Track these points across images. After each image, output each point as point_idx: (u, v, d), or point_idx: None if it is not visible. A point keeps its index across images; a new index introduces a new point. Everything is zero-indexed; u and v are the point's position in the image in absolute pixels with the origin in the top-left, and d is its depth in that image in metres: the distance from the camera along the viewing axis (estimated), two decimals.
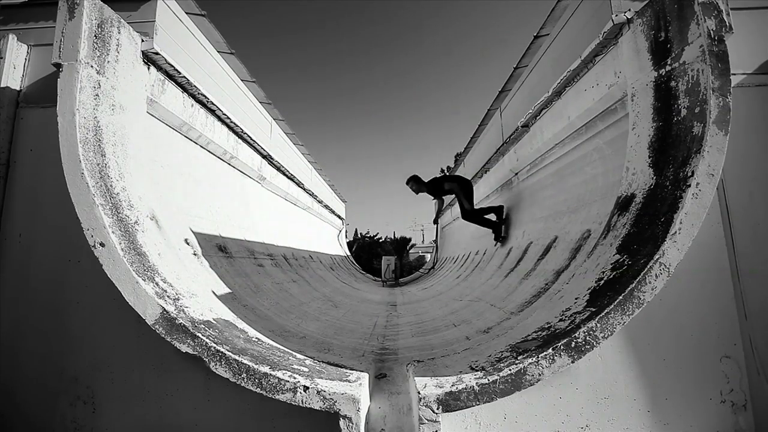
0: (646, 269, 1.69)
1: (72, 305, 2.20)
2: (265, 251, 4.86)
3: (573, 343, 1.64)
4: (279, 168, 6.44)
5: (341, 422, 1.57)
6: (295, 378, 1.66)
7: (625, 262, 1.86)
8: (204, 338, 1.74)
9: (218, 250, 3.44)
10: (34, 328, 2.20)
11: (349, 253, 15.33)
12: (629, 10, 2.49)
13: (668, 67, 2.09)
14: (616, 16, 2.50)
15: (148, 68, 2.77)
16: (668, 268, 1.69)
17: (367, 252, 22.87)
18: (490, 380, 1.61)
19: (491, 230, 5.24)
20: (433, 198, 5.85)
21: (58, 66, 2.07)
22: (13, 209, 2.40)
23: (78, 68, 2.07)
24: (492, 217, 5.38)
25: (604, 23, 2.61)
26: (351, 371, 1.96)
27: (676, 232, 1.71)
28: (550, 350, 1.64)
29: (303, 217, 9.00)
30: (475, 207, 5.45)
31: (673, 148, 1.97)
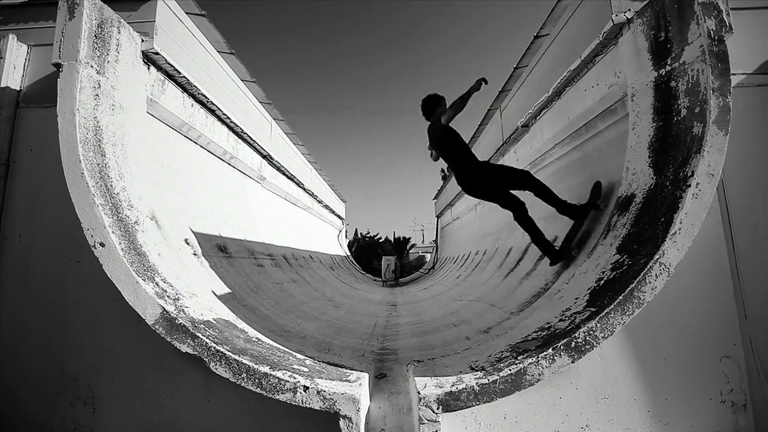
0: (646, 269, 1.69)
1: (72, 305, 2.20)
2: (265, 251, 4.86)
3: (573, 343, 1.64)
4: (279, 168, 6.45)
5: (341, 422, 1.57)
6: (295, 378, 1.66)
7: (625, 262, 1.86)
8: (204, 338, 1.74)
9: (218, 250, 3.44)
10: (34, 328, 2.20)
11: (349, 253, 15.33)
12: (629, 10, 2.49)
13: (668, 67, 2.09)
14: (616, 16, 2.50)
15: (148, 68, 2.77)
16: (668, 268, 1.69)
17: (367, 252, 22.86)
18: (490, 380, 1.61)
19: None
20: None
21: (58, 66, 2.07)
22: (13, 209, 2.40)
23: (78, 68, 2.07)
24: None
25: (604, 23, 2.61)
26: (351, 371, 1.96)
27: (676, 232, 1.71)
28: (550, 350, 1.64)
29: (303, 217, 9.00)
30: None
31: (673, 148, 1.97)
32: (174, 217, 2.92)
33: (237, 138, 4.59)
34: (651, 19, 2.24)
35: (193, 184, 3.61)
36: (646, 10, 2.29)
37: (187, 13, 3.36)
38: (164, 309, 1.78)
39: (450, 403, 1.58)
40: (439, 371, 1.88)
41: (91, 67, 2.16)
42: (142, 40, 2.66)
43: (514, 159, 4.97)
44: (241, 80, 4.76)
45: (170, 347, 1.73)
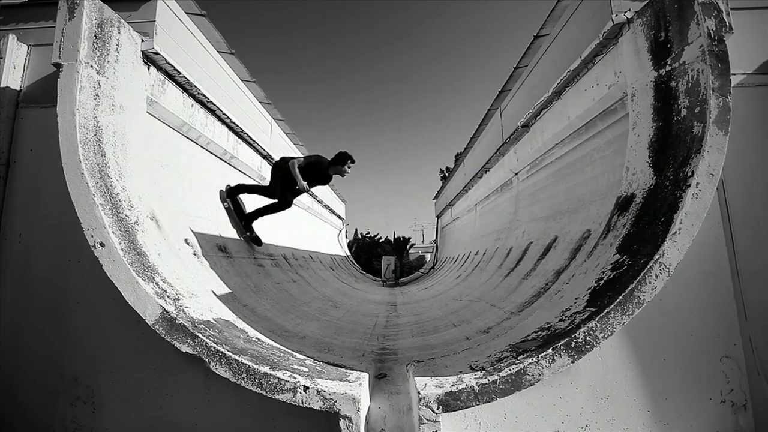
0: (646, 269, 1.69)
1: (72, 305, 2.20)
2: (264, 251, 4.86)
3: (573, 343, 1.64)
4: None
5: (341, 422, 1.57)
6: (295, 378, 1.66)
7: (625, 262, 1.86)
8: (204, 338, 1.73)
9: (218, 250, 3.44)
10: (34, 328, 2.20)
11: (349, 253, 15.33)
12: (629, 10, 2.49)
13: (668, 67, 2.09)
14: (616, 16, 2.50)
15: (148, 68, 2.77)
16: (668, 268, 1.69)
17: (366, 252, 22.88)
18: (490, 380, 1.61)
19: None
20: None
21: (58, 66, 2.07)
22: (13, 209, 2.40)
23: (78, 68, 2.07)
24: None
25: (604, 23, 2.61)
26: (351, 371, 1.96)
27: (676, 232, 1.71)
28: (550, 350, 1.64)
29: (303, 217, 9.00)
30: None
31: (673, 148, 1.97)
32: (174, 217, 2.92)
33: (237, 138, 4.59)
34: (651, 19, 2.24)
35: (193, 184, 3.61)
36: (646, 10, 2.29)
37: (187, 13, 3.36)
38: (164, 309, 1.78)
39: (450, 403, 1.58)
40: (439, 371, 1.88)
41: (91, 67, 2.16)
42: (142, 40, 2.66)
43: (514, 159, 4.97)
44: (241, 80, 4.76)
45: (170, 347, 1.73)
